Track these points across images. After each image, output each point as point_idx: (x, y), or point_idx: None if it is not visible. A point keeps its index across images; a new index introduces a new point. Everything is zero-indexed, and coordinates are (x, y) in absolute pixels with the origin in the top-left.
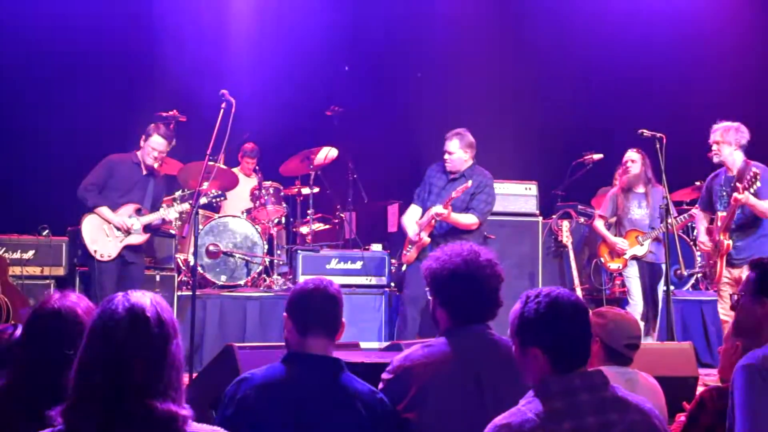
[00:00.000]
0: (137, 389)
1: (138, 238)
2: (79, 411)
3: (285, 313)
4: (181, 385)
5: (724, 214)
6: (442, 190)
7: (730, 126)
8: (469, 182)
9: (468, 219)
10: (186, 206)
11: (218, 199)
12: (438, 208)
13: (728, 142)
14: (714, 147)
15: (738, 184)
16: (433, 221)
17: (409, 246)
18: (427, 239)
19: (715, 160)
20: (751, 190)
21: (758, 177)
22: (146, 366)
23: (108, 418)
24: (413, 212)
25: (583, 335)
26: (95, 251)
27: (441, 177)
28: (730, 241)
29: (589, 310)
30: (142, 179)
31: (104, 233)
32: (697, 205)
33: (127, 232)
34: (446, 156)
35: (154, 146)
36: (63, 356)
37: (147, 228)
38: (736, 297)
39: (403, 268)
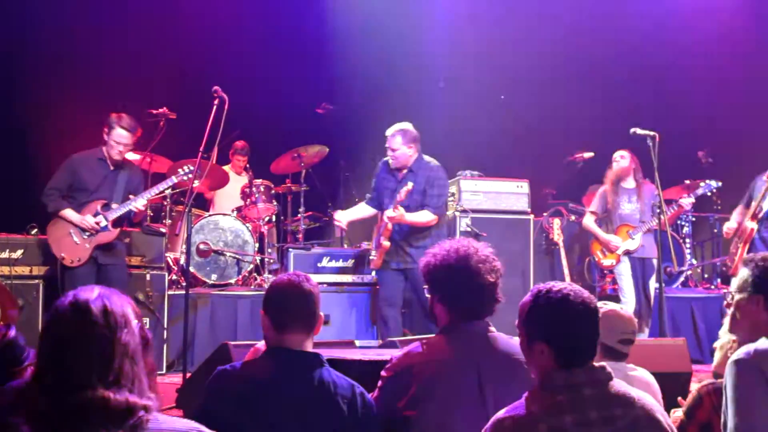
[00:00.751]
0: (85, 381)
1: (107, 236)
2: (34, 409)
3: (262, 310)
4: (141, 374)
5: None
6: (394, 192)
7: None
8: (410, 184)
9: (423, 217)
10: (149, 196)
11: (188, 176)
12: (389, 212)
13: None
14: None
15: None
16: (389, 225)
17: (373, 252)
18: (387, 243)
19: None
20: None
21: None
22: (91, 357)
23: (60, 412)
24: (358, 208)
25: (591, 333)
26: (63, 257)
27: (389, 178)
28: (755, 226)
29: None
30: (109, 174)
31: (71, 238)
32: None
33: (95, 230)
34: (389, 153)
35: (118, 139)
36: None
37: (117, 222)
38: (730, 295)
39: (372, 273)
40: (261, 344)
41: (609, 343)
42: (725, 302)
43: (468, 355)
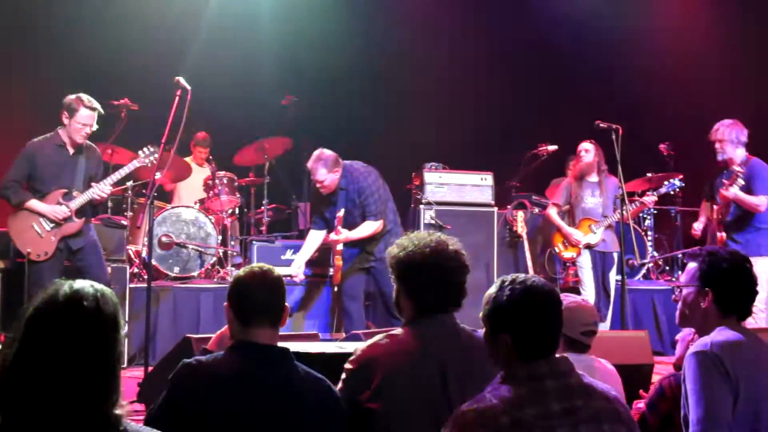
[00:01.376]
0: (68, 382)
1: (72, 227)
2: (11, 398)
3: (226, 303)
4: (117, 383)
5: (717, 207)
6: (333, 211)
7: (730, 124)
8: (342, 211)
9: (368, 229)
10: (112, 181)
11: (151, 157)
12: (333, 236)
13: (730, 140)
14: (717, 145)
15: (725, 181)
16: (337, 247)
17: (331, 269)
18: (340, 262)
19: (719, 158)
20: (735, 188)
21: (740, 175)
22: (82, 351)
23: (36, 406)
24: (309, 242)
25: (554, 325)
26: (29, 252)
27: (324, 200)
28: (724, 234)
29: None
30: (69, 161)
31: (34, 231)
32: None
33: (62, 221)
34: (318, 186)
35: (84, 121)
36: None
37: (80, 212)
38: (678, 291)
39: (335, 288)
40: (226, 329)
41: (572, 335)
42: (673, 297)
43: (432, 348)
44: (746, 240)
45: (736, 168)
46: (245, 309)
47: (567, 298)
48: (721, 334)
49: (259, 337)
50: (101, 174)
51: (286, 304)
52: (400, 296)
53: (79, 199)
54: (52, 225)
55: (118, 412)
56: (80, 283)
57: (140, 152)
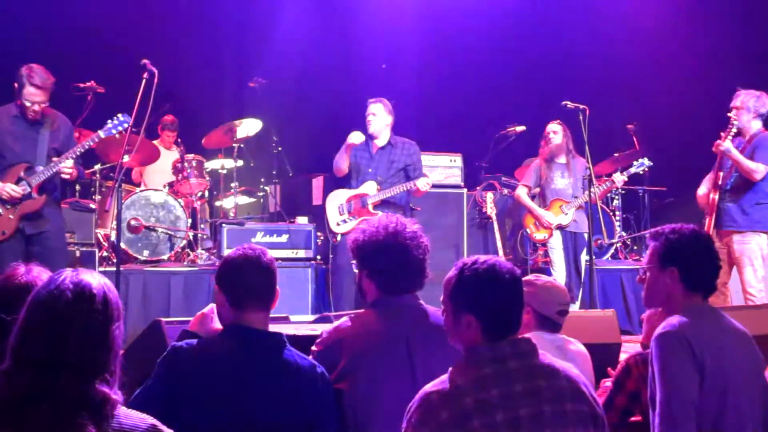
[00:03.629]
0: (72, 365)
1: (33, 204)
2: (11, 379)
3: (216, 285)
4: (117, 370)
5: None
6: (371, 161)
7: (752, 93)
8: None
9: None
10: (75, 155)
11: (123, 126)
12: (425, 180)
13: (747, 109)
14: (733, 112)
15: (721, 134)
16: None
17: (352, 217)
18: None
19: (733, 125)
20: (728, 142)
21: (733, 125)
22: (85, 342)
23: (38, 390)
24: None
25: (517, 304)
26: None
27: (361, 147)
28: (716, 197)
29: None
30: (28, 133)
31: None
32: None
33: (17, 199)
34: (370, 118)
35: (30, 98)
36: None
37: (42, 189)
38: (642, 270)
39: (338, 238)
40: (208, 309)
41: (547, 314)
42: (638, 277)
43: (397, 329)
44: (740, 210)
45: (731, 115)
46: (238, 293)
47: (540, 278)
48: (687, 314)
49: (252, 321)
50: (70, 143)
51: (277, 287)
52: (362, 279)
53: (42, 174)
54: (9, 204)
55: (114, 396)
56: (84, 274)
57: (109, 121)
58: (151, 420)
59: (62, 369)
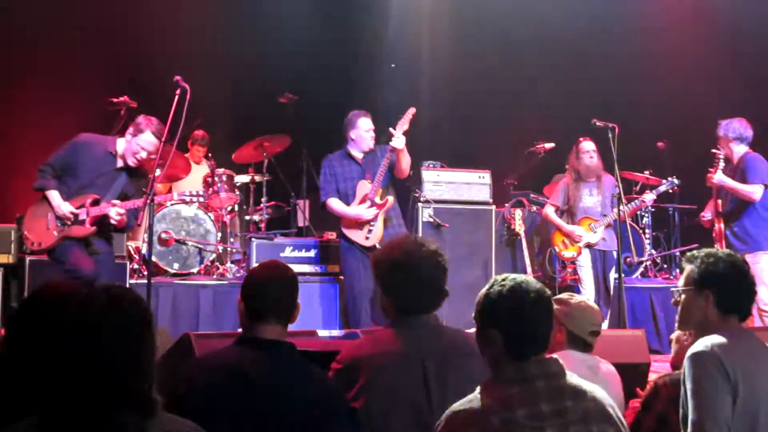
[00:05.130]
0: (112, 368)
1: (80, 230)
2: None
3: (239, 297)
4: (154, 373)
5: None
6: (362, 171)
7: (728, 121)
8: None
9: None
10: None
11: (195, 198)
12: (396, 142)
13: (726, 137)
14: (718, 141)
15: (710, 170)
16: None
17: (371, 224)
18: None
19: (719, 158)
20: (719, 174)
21: (720, 159)
22: (121, 346)
23: (82, 397)
24: (337, 202)
25: (544, 323)
26: (26, 236)
27: (346, 166)
28: (722, 225)
29: (552, 299)
30: (112, 173)
31: (44, 221)
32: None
33: (69, 220)
34: (372, 134)
35: (145, 146)
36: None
37: (97, 223)
38: (677, 293)
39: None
40: None
41: (581, 334)
42: (673, 300)
43: (414, 348)
44: (745, 232)
45: (715, 151)
46: (257, 305)
47: (575, 298)
48: (721, 335)
49: (266, 333)
50: (134, 195)
51: (298, 301)
52: (383, 297)
53: (101, 210)
54: (61, 223)
55: (155, 396)
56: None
57: (187, 192)
58: (191, 424)
59: (94, 382)
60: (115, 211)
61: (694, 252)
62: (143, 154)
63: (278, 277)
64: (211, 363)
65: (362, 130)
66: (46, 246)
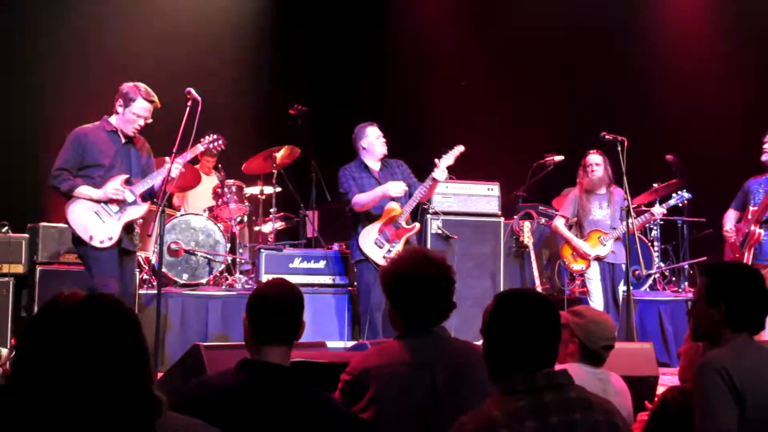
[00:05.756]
0: (117, 365)
1: (138, 210)
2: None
3: (245, 313)
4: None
5: (755, 208)
6: (382, 177)
7: None
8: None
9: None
10: (187, 158)
11: (217, 144)
12: (440, 173)
13: None
14: (765, 146)
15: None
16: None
17: (394, 243)
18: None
19: (764, 158)
20: None
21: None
22: (132, 354)
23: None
24: (364, 193)
25: (551, 336)
26: (91, 237)
27: (364, 172)
28: (762, 231)
29: (559, 312)
30: (122, 149)
31: (98, 217)
32: (731, 206)
33: (122, 202)
34: (382, 139)
35: (139, 112)
36: None
37: (146, 196)
38: (691, 303)
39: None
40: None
41: (593, 347)
42: (687, 310)
43: (423, 359)
44: None
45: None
46: (262, 327)
47: (591, 310)
48: (731, 348)
49: (271, 355)
50: (152, 165)
51: (303, 319)
52: (391, 309)
53: (142, 185)
54: (115, 210)
55: (159, 396)
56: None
57: (206, 137)
58: (198, 420)
59: (108, 371)
60: (175, 167)
61: (710, 263)
62: (140, 122)
63: (284, 300)
64: (213, 385)
65: (372, 138)
66: (117, 238)
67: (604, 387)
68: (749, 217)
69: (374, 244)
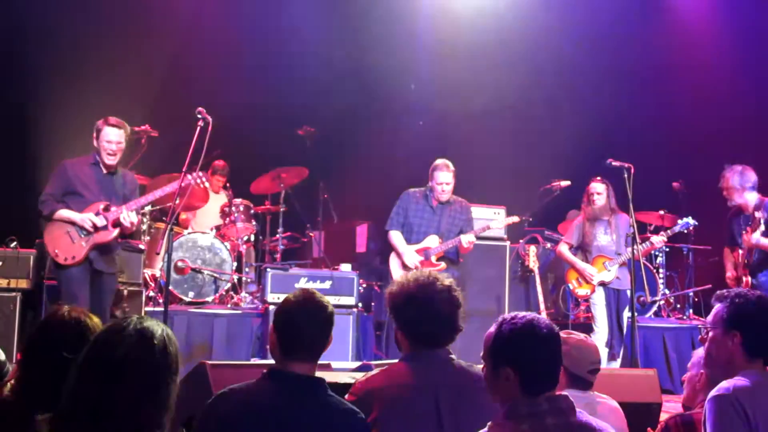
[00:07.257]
0: (129, 407)
1: (105, 235)
2: (67, 420)
3: (272, 324)
4: (167, 425)
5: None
6: (434, 217)
7: (733, 171)
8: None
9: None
10: (141, 204)
11: (198, 180)
12: (471, 237)
13: (734, 187)
14: (724, 192)
15: (748, 228)
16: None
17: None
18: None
19: (730, 204)
20: (757, 234)
21: (761, 221)
22: (142, 387)
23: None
24: (399, 237)
25: (555, 359)
26: (56, 253)
27: (421, 205)
28: (749, 278)
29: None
30: (103, 179)
31: (68, 237)
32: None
33: (93, 228)
34: (444, 187)
35: (108, 138)
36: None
37: (117, 223)
38: (705, 330)
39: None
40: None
41: (579, 372)
42: (700, 336)
43: (427, 382)
44: None
45: (757, 214)
46: (290, 342)
47: (573, 336)
48: (744, 378)
49: (297, 368)
50: (135, 193)
51: (330, 336)
52: (396, 330)
53: (116, 212)
54: (84, 232)
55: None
56: (149, 321)
57: (189, 176)
58: None
59: (118, 411)
60: (126, 215)
61: (725, 291)
62: (113, 147)
63: (315, 317)
64: (235, 396)
65: (436, 182)
66: (79, 259)
67: (591, 410)
68: (740, 260)
69: (399, 265)
